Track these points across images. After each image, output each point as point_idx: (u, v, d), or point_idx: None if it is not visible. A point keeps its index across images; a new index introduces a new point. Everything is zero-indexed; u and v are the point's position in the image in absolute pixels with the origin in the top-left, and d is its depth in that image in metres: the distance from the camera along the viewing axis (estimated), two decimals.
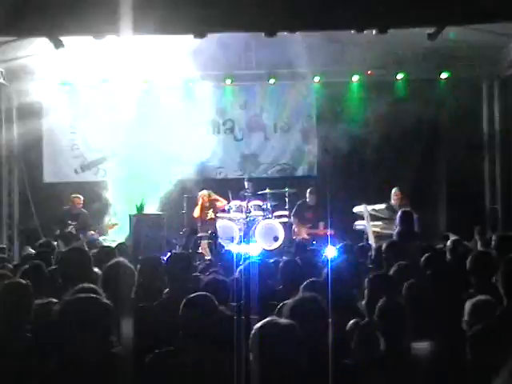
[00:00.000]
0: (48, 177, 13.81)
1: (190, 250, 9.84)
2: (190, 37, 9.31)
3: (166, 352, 3.83)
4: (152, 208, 12.54)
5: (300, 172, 14.00)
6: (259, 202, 12.68)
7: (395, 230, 8.80)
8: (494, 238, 7.13)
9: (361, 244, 8.67)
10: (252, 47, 12.98)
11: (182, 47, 11.45)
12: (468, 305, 4.19)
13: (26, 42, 10.94)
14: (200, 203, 12.53)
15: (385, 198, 12.04)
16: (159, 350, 3.84)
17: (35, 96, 13.09)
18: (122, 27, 8.02)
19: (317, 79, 13.26)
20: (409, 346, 3.85)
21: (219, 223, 12.37)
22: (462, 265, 5.50)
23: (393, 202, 11.77)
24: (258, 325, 3.11)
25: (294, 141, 13.93)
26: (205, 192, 12.60)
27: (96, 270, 5.45)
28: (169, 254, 8.37)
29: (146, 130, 13.02)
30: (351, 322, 4.47)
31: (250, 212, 12.58)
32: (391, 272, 5.30)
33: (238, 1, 8.43)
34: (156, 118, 13.17)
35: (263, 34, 9.10)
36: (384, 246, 6.63)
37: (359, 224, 12.20)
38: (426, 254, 6.03)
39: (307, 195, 12.64)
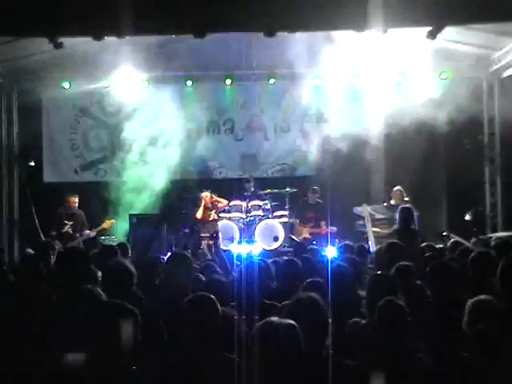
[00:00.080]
0: (48, 177, 13.82)
1: (190, 250, 9.84)
2: None
3: (166, 352, 3.83)
4: (152, 208, 12.59)
5: (300, 172, 13.99)
6: (259, 202, 12.67)
7: (395, 227, 8.83)
8: (493, 238, 7.14)
9: (361, 244, 8.67)
10: (252, 47, 12.98)
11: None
12: (468, 305, 4.19)
13: (26, 41, 10.94)
14: (203, 204, 12.53)
15: (385, 198, 12.04)
16: (160, 350, 3.84)
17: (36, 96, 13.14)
18: (122, 27, 8.03)
19: (316, 79, 13.26)
20: (409, 346, 3.85)
21: (219, 223, 12.37)
22: (462, 265, 5.51)
23: (393, 202, 11.77)
24: (258, 325, 3.11)
25: (293, 141, 13.91)
26: (207, 193, 12.60)
27: (96, 270, 5.45)
28: (169, 253, 8.38)
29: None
30: (351, 321, 4.48)
31: (250, 212, 12.57)
32: (391, 272, 5.30)
33: (238, 1, 8.43)
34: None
35: (263, 33, 9.10)
36: (384, 246, 6.63)
37: (359, 224, 12.20)
38: (426, 254, 6.04)
39: (308, 195, 12.65)
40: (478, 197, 13.24)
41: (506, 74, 12.57)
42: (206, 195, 12.56)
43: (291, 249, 10.77)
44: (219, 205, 12.68)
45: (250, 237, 12.17)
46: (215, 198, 12.71)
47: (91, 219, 12.27)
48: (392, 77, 13.02)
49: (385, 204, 11.92)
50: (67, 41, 9.76)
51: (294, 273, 5.72)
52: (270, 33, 8.95)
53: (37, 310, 4.20)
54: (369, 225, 11.58)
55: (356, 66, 12.70)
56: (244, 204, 12.65)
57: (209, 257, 9.91)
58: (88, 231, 11.87)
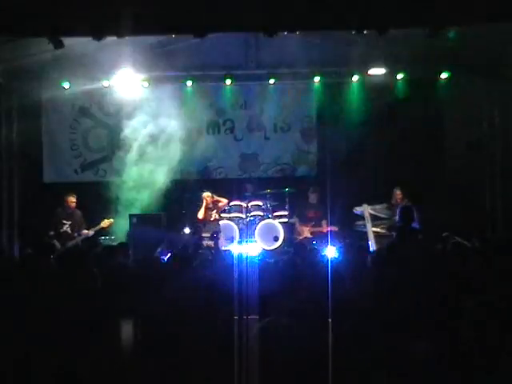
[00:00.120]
0: (48, 177, 13.82)
1: (190, 251, 9.84)
2: None
3: (166, 352, 3.83)
4: (152, 208, 12.58)
5: (300, 172, 13.98)
6: (259, 202, 12.68)
7: (395, 226, 8.83)
8: (493, 238, 7.15)
9: (361, 244, 8.68)
10: (252, 47, 12.99)
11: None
12: (468, 305, 4.19)
13: (26, 41, 10.93)
14: (204, 204, 12.52)
15: (385, 198, 12.04)
16: (160, 350, 3.84)
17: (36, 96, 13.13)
18: (122, 27, 8.03)
19: (317, 79, 13.26)
20: (408, 346, 3.86)
21: (220, 223, 12.37)
22: (462, 265, 5.51)
23: (393, 201, 11.77)
24: (258, 325, 3.11)
25: (293, 141, 13.90)
26: (208, 193, 12.60)
27: (96, 270, 5.45)
28: (169, 254, 8.39)
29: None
30: (351, 321, 4.47)
31: (250, 212, 12.58)
32: (392, 272, 5.30)
33: (238, 1, 8.43)
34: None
35: (263, 33, 9.10)
36: (385, 246, 6.64)
37: (359, 224, 12.21)
38: (426, 255, 6.05)
39: (309, 194, 12.65)
40: (479, 197, 13.23)
41: (506, 74, 12.55)
42: (207, 195, 12.55)
43: (291, 249, 10.78)
44: (220, 204, 12.68)
45: (250, 237, 12.18)
46: (216, 197, 12.72)
47: (91, 219, 12.26)
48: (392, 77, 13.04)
49: (385, 204, 11.91)
50: (67, 41, 9.75)
51: (294, 273, 5.72)
52: (270, 33, 8.96)
53: (37, 309, 4.21)
54: (369, 225, 11.59)
55: (355, 65, 12.72)
56: (244, 204, 12.66)
57: (209, 257, 9.93)
58: (86, 231, 11.86)
